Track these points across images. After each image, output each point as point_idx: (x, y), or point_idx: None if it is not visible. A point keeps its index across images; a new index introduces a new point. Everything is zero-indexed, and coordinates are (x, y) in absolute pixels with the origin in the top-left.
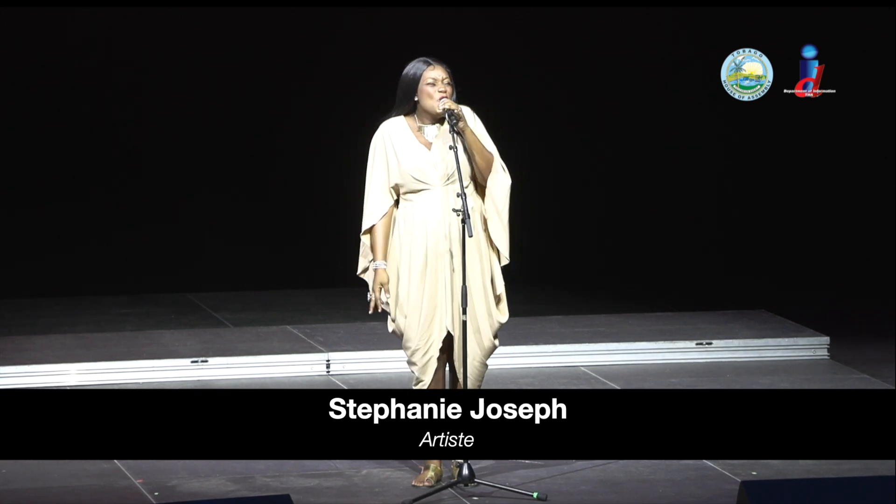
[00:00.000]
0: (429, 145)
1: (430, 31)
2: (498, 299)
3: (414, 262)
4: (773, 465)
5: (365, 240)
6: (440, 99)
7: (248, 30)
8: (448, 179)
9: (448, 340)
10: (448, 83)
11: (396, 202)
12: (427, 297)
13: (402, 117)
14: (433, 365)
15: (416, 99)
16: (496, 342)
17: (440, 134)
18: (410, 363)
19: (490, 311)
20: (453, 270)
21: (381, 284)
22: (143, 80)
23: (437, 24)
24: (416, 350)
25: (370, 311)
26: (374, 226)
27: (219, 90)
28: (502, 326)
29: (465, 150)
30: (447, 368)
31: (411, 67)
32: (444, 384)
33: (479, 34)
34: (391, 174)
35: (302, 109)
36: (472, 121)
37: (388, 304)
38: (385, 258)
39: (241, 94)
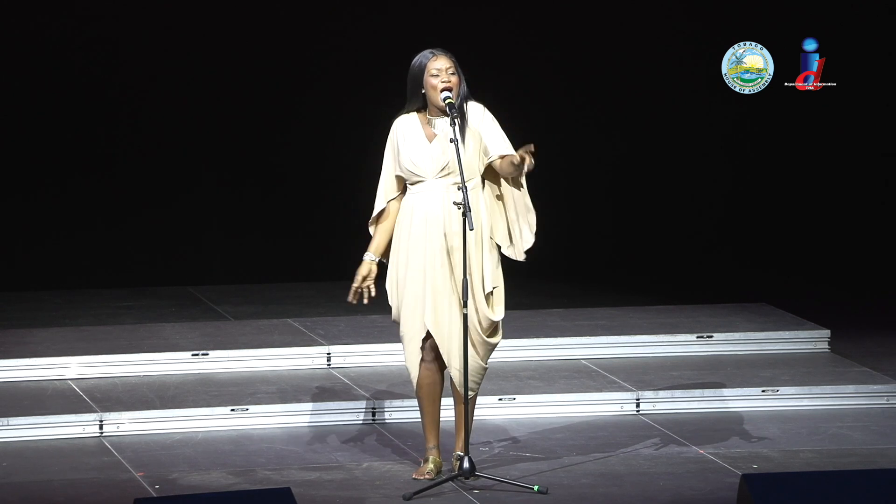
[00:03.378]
0: (432, 137)
1: (436, 26)
2: (489, 297)
3: (411, 254)
4: (774, 459)
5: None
6: (442, 91)
7: (256, 18)
8: (441, 172)
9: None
10: (452, 73)
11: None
12: (417, 288)
13: (414, 113)
14: (417, 355)
15: (423, 91)
16: (492, 341)
17: (446, 126)
18: (404, 353)
19: (478, 308)
20: (452, 267)
21: (363, 276)
22: (147, 69)
23: (443, 18)
24: (402, 338)
25: (349, 298)
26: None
27: (224, 81)
28: (495, 325)
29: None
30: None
31: (416, 60)
32: (440, 379)
33: (485, 26)
34: (395, 166)
35: (306, 101)
36: (482, 117)
37: (371, 294)
38: (376, 252)
39: (245, 85)
